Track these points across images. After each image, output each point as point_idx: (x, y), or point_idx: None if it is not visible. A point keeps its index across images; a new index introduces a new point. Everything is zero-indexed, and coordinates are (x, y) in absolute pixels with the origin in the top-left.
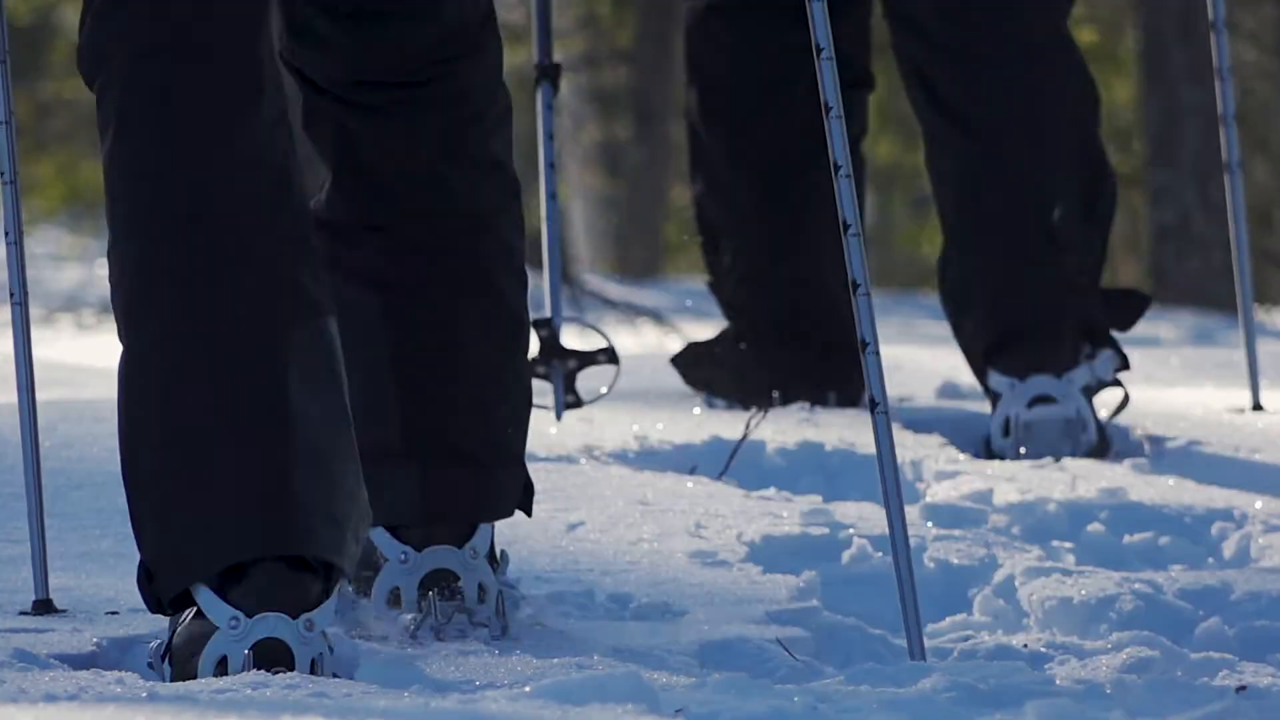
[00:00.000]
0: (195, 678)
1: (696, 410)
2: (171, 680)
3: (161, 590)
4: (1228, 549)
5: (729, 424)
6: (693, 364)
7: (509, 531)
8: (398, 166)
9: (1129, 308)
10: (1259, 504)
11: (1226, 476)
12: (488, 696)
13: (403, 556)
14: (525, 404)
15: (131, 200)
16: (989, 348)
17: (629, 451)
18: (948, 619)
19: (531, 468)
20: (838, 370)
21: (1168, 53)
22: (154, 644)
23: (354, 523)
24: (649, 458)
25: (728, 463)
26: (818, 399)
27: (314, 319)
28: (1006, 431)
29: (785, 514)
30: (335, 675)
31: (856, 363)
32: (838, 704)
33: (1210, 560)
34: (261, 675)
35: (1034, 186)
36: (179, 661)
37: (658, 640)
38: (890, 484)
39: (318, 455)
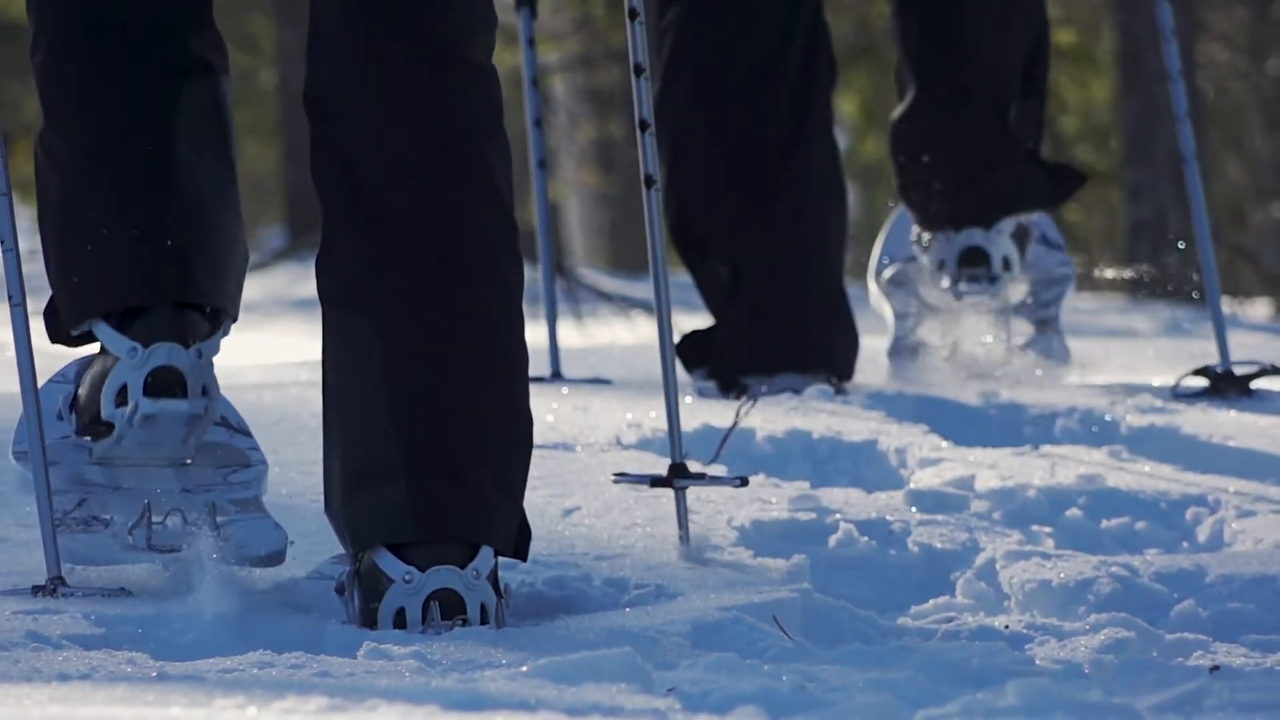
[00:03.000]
0: (98, 408)
1: (688, 399)
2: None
3: (67, 325)
4: (1202, 533)
5: (719, 412)
6: (692, 349)
7: None
8: (404, 198)
9: (1067, 182)
10: (1232, 490)
11: (1201, 464)
12: (486, 676)
13: (407, 576)
14: (524, 438)
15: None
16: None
17: (623, 439)
18: (931, 601)
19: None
20: (820, 345)
21: (1143, 54)
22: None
23: (235, 267)
24: (643, 445)
25: (718, 450)
26: (803, 371)
27: (202, 77)
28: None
29: (774, 499)
30: (225, 422)
31: (839, 341)
32: (825, 683)
33: (1185, 544)
34: (268, 655)
35: (1001, 74)
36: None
37: (651, 622)
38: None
39: (200, 207)
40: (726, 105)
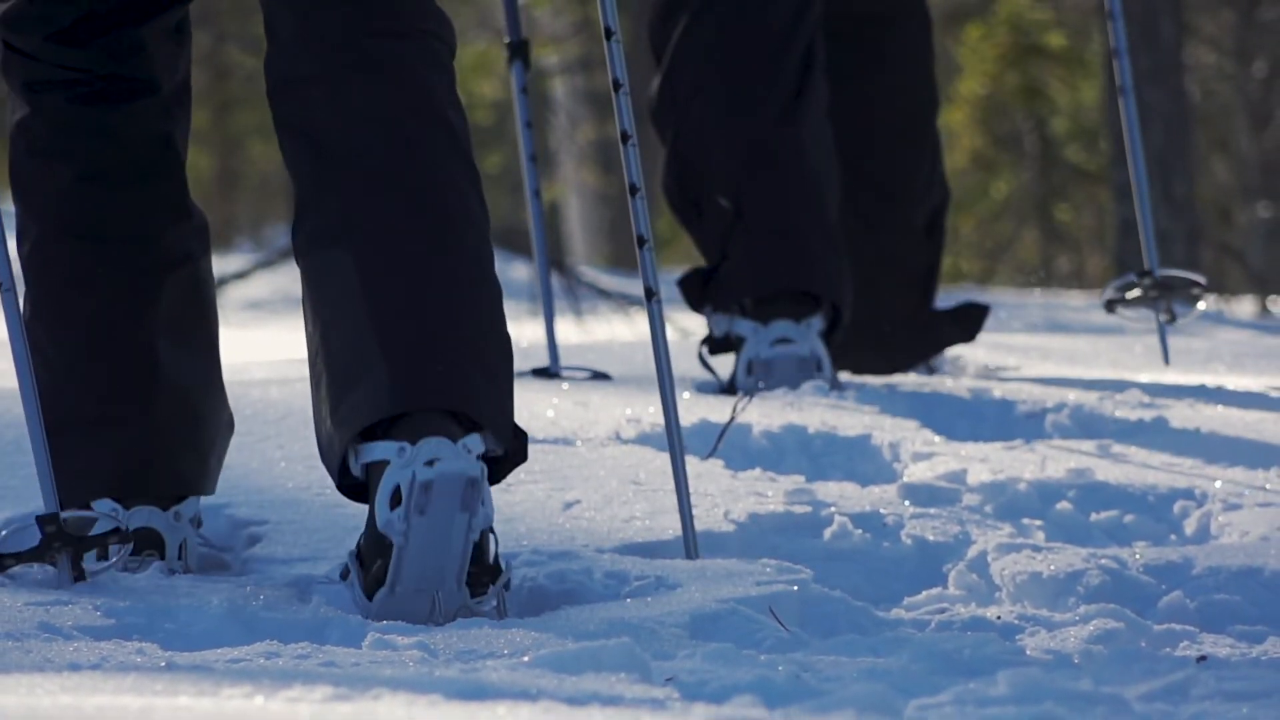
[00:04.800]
0: (81, 561)
1: (686, 395)
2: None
3: (62, 504)
4: (1189, 526)
5: (717, 408)
6: (695, 286)
7: (507, 509)
8: (364, 138)
9: (971, 319)
10: (1219, 484)
11: (1188, 458)
12: (488, 666)
13: (400, 450)
14: (502, 336)
15: (33, 187)
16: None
17: (622, 434)
18: (924, 592)
19: (529, 449)
20: (820, 271)
21: (1131, 56)
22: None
23: (218, 447)
24: (641, 440)
25: (715, 444)
26: (805, 290)
27: (182, 267)
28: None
29: (770, 493)
30: (200, 562)
31: (837, 272)
32: (821, 673)
33: (1173, 537)
34: (274, 645)
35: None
36: (72, 544)
37: (650, 613)
38: (663, 365)
39: (185, 401)
40: (738, 70)
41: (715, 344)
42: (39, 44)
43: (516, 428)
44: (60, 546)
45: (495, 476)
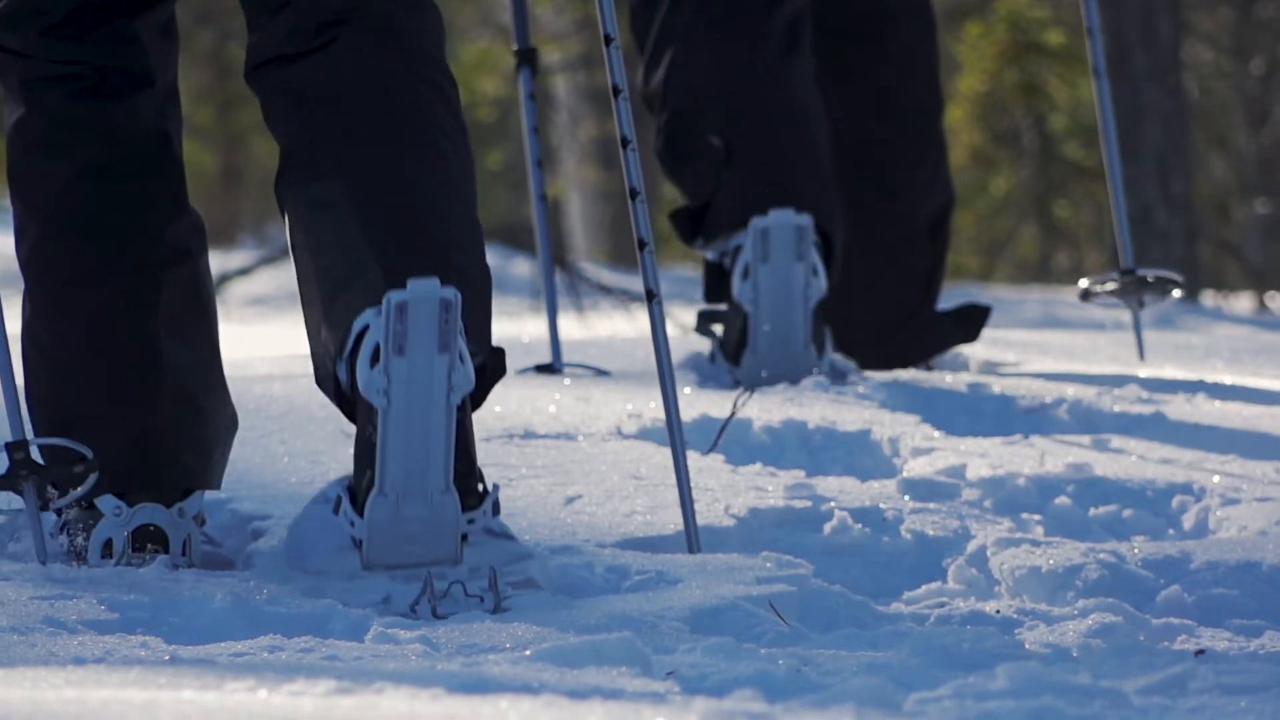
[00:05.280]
0: (85, 550)
1: (687, 390)
2: (67, 548)
3: (59, 491)
4: (1187, 521)
5: (717, 403)
6: (685, 220)
7: (510, 504)
8: (345, 79)
9: (972, 320)
10: (1216, 479)
11: (1186, 453)
12: (490, 660)
13: (378, 312)
14: (480, 255)
15: (32, 186)
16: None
17: (623, 429)
18: (924, 586)
19: (531, 444)
20: (811, 196)
21: (1130, 55)
22: (54, 520)
23: (220, 443)
24: (642, 435)
25: (716, 439)
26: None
27: (180, 265)
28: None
29: (770, 488)
30: (203, 559)
31: (827, 203)
32: (820, 667)
33: (1171, 532)
34: (277, 639)
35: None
36: (73, 534)
37: (651, 608)
38: (664, 365)
39: (187, 398)
40: (726, 32)
41: (711, 289)
42: (33, 40)
43: (496, 346)
44: (27, 475)
45: (477, 396)
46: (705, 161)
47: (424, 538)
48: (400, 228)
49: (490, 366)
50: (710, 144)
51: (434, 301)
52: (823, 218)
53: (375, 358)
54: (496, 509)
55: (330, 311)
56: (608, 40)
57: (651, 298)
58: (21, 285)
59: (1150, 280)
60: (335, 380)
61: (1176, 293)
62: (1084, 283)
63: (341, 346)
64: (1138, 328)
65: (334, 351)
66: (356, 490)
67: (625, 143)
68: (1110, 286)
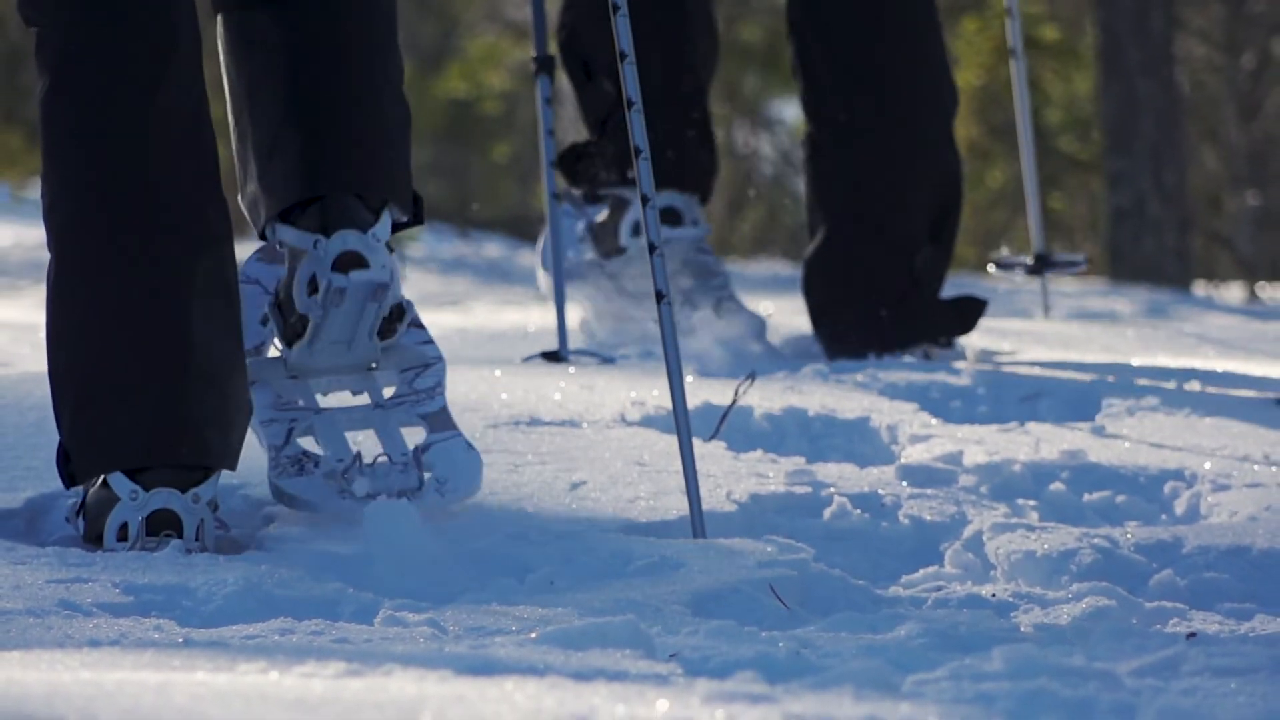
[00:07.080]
0: (102, 535)
1: (690, 378)
2: (84, 535)
3: (77, 474)
4: (1179, 506)
5: (719, 390)
6: (571, 163)
7: (515, 490)
8: None
9: (968, 311)
10: (1208, 465)
11: (1178, 440)
12: (497, 642)
13: (315, 242)
14: (406, 121)
15: (64, 162)
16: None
17: (627, 416)
18: (921, 571)
19: (536, 431)
20: (683, 162)
21: (1123, 49)
22: (70, 502)
23: (240, 425)
24: (646, 422)
25: (718, 426)
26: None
27: (213, 247)
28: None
29: (771, 474)
30: (216, 544)
31: (700, 161)
32: (820, 649)
33: (1163, 517)
34: (288, 622)
35: (906, 214)
36: (90, 520)
37: (654, 592)
38: (672, 363)
39: (214, 378)
40: None
41: (569, 165)
42: (66, 18)
43: (415, 195)
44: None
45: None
46: (595, 101)
47: (346, 357)
48: (323, 98)
49: (412, 217)
50: (602, 87)
51: (369, 287)
52: (696, 184)
53: (313, 286)
54: (416, 322)
55: (263, 174)
56: (623, 56)
57: (661, 299)
58: (41, 275)
59: (1057, 260)
60: (261, 232)
61: (1081, 265)
62: (994, 257)
63: (272, 216)
64: (1044, 286)
65: (264, 214)
66: (285, 316)
67: (638, 152)
68: (1018, 259)
